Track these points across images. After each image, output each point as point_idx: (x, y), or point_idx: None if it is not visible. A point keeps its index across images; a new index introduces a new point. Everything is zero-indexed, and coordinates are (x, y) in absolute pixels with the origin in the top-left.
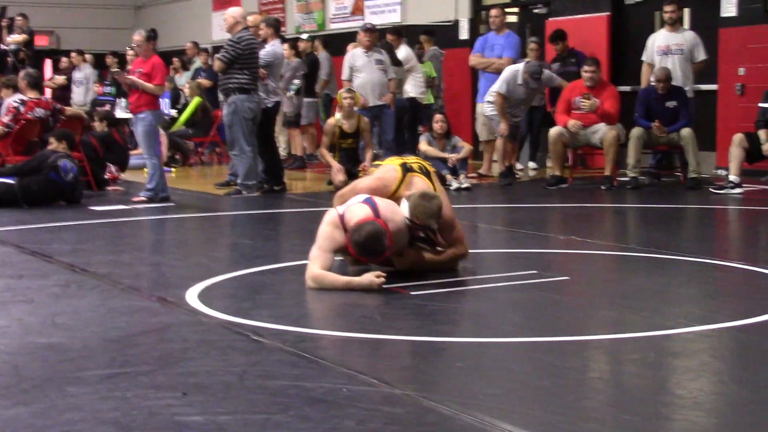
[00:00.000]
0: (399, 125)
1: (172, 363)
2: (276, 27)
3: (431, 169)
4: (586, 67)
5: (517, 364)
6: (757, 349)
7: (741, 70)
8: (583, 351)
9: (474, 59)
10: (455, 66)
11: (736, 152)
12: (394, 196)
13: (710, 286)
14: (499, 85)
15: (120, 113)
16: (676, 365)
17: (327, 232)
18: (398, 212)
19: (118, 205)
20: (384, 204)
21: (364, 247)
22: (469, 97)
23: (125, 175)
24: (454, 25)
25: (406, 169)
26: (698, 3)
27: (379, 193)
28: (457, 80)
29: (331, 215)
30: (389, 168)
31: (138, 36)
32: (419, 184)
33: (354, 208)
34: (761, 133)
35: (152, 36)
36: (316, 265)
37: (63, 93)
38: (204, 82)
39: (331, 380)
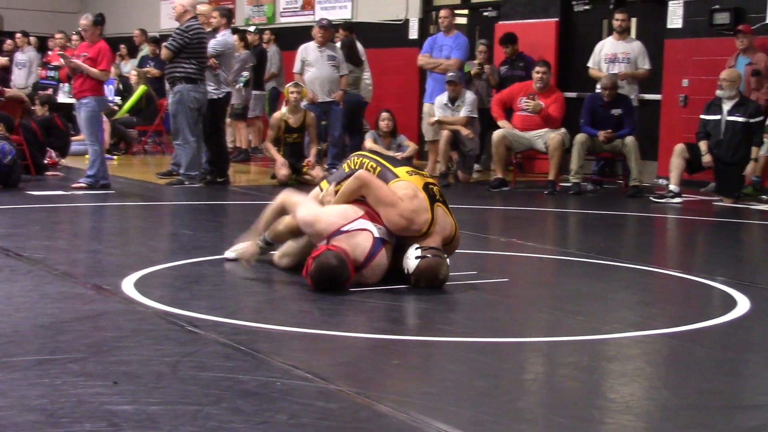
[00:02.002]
0: (351, 122)
1: (105, 351)
2: (229, 17)
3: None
4: (537, 68)
5: (453, 363)
6: (688, 355)
7: (685, 82)
8: (520, 353)
9: (422, 59)
10: (403, 65)
11: (676, 162)
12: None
13: (646, 293)
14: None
15: (62, 98)
16: (609, 369)
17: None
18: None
19: (56, 191)
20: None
21: (318, 280)
22: (417, 96)
23: (66, 161)
24: (404, 24)
25: (431, 197)
26: (646, 13)
27: (402, 230)
28: (404, 79)
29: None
30: (420, 207)
31: (85, 20)
32: (441, 220)
33: (360, 241)
34: (702, 145)
35: (99, 21)
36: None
37: (3, 75)
38: (152, 71)
39: (265, 374)
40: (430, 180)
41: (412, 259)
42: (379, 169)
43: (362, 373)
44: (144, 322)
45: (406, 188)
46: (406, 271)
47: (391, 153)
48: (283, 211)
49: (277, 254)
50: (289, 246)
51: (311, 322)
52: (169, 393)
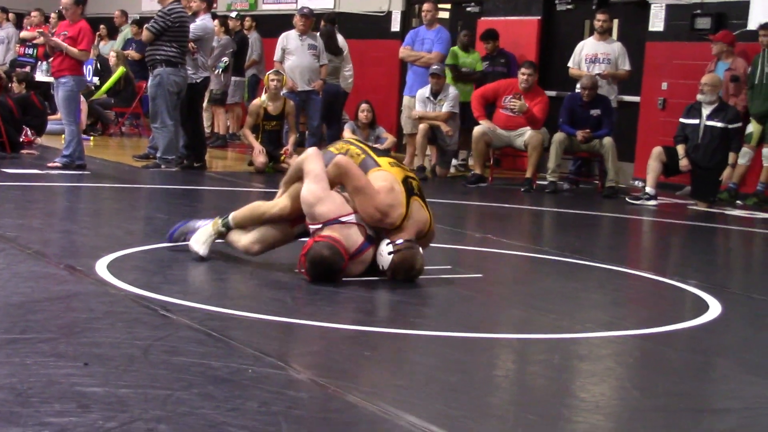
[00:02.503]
0: (329, 112)
1: (76, 332)
2: (209, 2)
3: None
4: (523, 69)
5: (424, 357)
6: (659, 357)
7: (664, 85)
8: (492, 349)
9: (404, 52)
10: (384, 57)
11: (654, 165)
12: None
13: (619, 294)
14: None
15: (40, 76)
16: (580, 369)
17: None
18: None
19: (31, 169)
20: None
21: (315, 273)
22: (397, 89)
23: (41, 140)
24: (386, 16)
25: (409, 191)
26: (628, 15)
27: (375, 222)
28: (385, 71)
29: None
30: (396, 201)
31: None
32: (416, 215)
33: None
34: (679, 148)
35: (81, 0)
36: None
37: None
38: (133, 54)
39: (237, 360)
40: (410, 174)
41: (385, 255)
42: (362, 156)
43: (334, 364)
44: (116, 304)
45: (383, 180)
46: (381, 267)
47: (369, 144)
48: (299, 173)
49: (247, 240)
50: (261, 233)
51: (284, 311)
52: (139, 376)
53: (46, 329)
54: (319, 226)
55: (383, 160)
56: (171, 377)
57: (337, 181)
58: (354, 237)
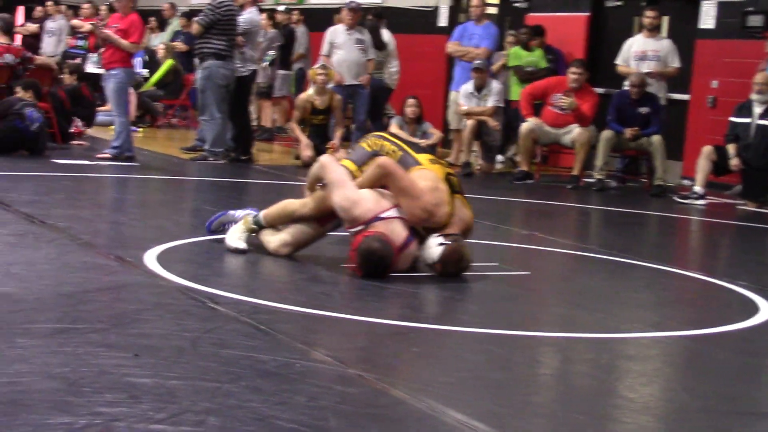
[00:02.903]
0: (373, 106)
1: (126, 323)
2: None
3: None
4: (573, 69)
5: (471, 354)
6: (707, 359)
7: (714, 83)
8: (538, 347)
9: (451, 47)
10: (431, 52)
11: (703, 164)
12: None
13: (666, 294)
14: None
15: (91, 68)
16: (628, 368)
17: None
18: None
19: (81, 160)
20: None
21: (366, 267)
22: (443, 84)
23: (91, 131)
24: (434, 11)
25: (451, 188)
26: (678, 12)
27: (422, 222)
28: (432, 67)
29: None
30: (441, 200)
31: None
32: (459, 212)
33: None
34: (729, 148)
35: None
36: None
37: (33, 42)
38: (180, 46)
39: (285, 354)
40: (450, 170)
41: (434, 247)
42: (399, 153)
43: (381, 359)
44: (165, 296)
45: (427, 179)
46: (428, 261)
47: (415, 140)
48: (319, 179)
49: (277, 243)
50: (291, 235)
51: (331, 306)
52: (189, 368)
53: (97, 319)
54: (361, 227)
55: (423, 157)
56: (220, 370)
57: (380, 182)
58: (398, 230)
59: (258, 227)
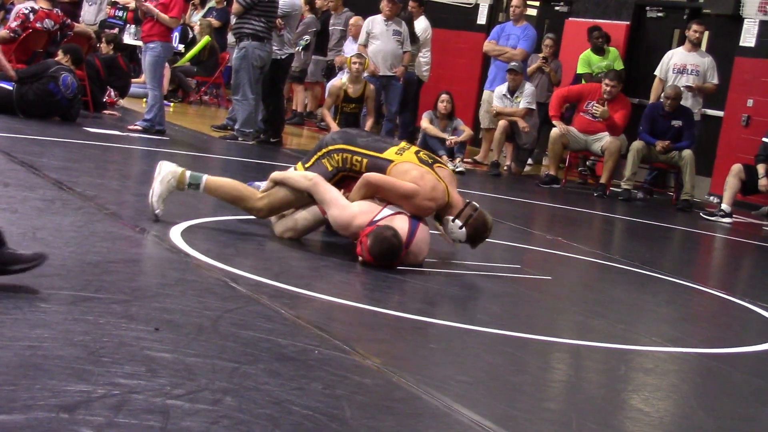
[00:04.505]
0: (403, 99)
1: (148, 297)
2: None
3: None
4: (607, 81)
5: (489, 354)
6: (725, 379)
7: (750, 102)
8: (556, 352)
9: (488, 46)
10: (468, 49)
11: (732, 182)
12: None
13: (687, 309)
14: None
15: (128, 39)
16: (645, 382)
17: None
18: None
19: (112, 130)
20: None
21: (378, 251)
22: (477, 82)
23: (124, 102)
24: (474, 9)
25: (428, 164)
26: (719, 28)
27: (432, 211)
28: (467, 64)
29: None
30: (432, 183)
31: None
32: (448, 179)
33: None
34: (760, 168)
35: None
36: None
37: (73, 9)
38: (213, 21)
39: (304, 340)
40: (415, 147)
41: (457, 231)
42: (365, 161)
43: (399, 353)
44: (189, 272)
45: (409, 172)
46: (457, 242)
47: (445, 135)
48: (300, 194)
49: (282, 227)
50: (294, 221)
51: (353, 295)
52: (208, 347)
53: (120, 290)
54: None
55: (390, 153)
56: (239, 350)
57: (376, 196)
58: (400, 225)
59: (191, 188)
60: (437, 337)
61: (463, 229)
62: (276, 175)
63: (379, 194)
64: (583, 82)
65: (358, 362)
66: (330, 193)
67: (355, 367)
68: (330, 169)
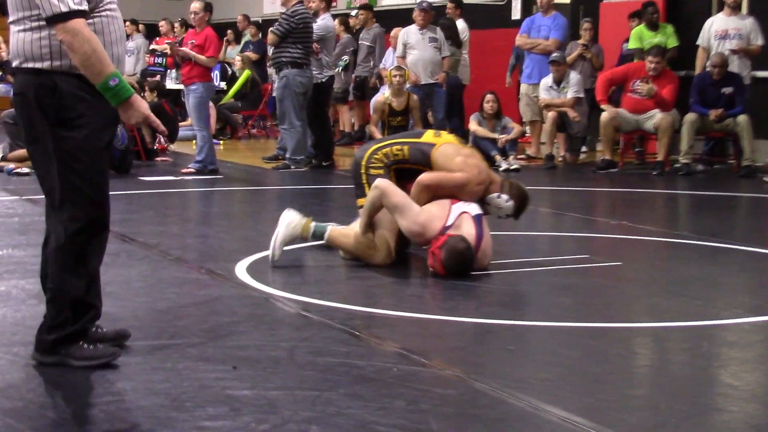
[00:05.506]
0: (450, 104)
1: (222, 336)
2: (328, 0)
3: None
4: (650, 57)
5: (566, 349)
6: None
7: None
8: (634, 338)
9: (520, 40)
10: (505, 46)
11: None
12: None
13: (763, 276)
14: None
15: (170, 84)
16: (730, 356)
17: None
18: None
19: (166, 176)
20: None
21: (451, 263)
22: (517, 78)
23: (174, 146)
24: (507, 5)
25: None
26: None
27: (484, 193)
28: (506, 61)
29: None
30: (477, 161)
31: (197, 4)
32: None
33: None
34: None
35: (209, 7)
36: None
37: None
38: (251, 55)
39: (381, 359)
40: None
41: (504, 205)
42: (406, 147)
43: (478, 359)
44: (258, 307)
45: (452, 156)
46: (504, 215)
47: (495, 135)
48: (380, 207)
49: (378, 259)
50: (386, 245)
51: (423, 307)
52: (287, 378)
53: (193, 334)
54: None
55: (428, 136)
56: (318, 378)
57: (434, 195)
58: (468, 230)
59: (316, 240)
60: (513, 338)
61: (511, 201)
62: (361, 212)
63: (434, 192)
64: (635, 59)
65: (438, 374)
66: (397, 196)
67: (436, 379)
68: (382, 173)
